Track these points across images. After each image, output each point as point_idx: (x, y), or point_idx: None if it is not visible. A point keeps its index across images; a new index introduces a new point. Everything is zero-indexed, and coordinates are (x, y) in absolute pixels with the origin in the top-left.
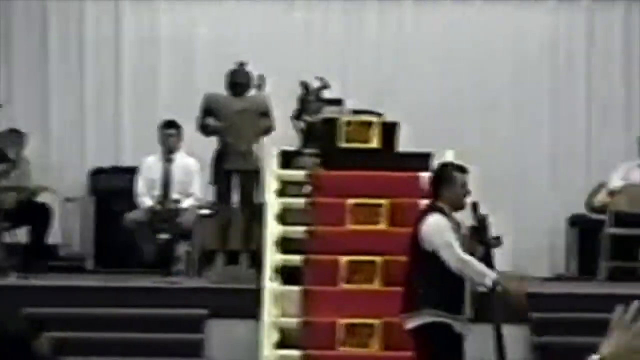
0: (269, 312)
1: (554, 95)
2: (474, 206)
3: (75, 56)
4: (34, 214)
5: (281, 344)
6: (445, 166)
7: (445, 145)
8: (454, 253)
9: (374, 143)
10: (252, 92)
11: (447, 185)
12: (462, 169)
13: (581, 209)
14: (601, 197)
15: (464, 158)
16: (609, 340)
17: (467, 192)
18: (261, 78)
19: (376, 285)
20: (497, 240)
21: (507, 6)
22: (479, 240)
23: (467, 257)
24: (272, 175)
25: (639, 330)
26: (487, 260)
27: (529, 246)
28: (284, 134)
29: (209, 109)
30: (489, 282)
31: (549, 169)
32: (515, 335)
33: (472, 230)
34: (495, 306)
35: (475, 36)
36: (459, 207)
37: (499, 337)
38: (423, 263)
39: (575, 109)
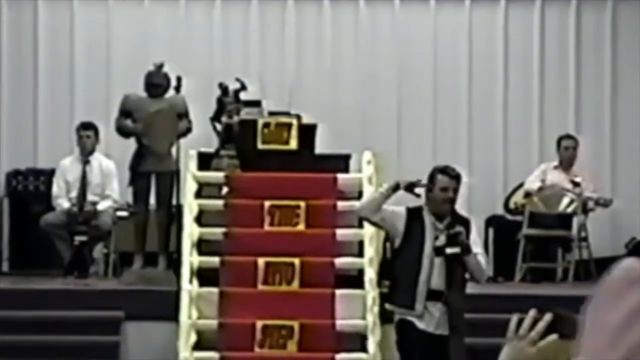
0: (186, 314)
1: (472, 95)
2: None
3: None
4: None
5: (199, 346)
6: (434, 169)
7: (363, 147)
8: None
9: (292, 145)
10: (170, 93)
11: (430, 188)
12: (446, 173)
13: (500, 210)
14: (518, 199)
15: (382, 159)
16: (505, 349)
17: (447, 197)
18: (179, 79)
19: (294, 287)
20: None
21: (425, 7)
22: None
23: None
24: (189, 176)
25: (534, 340)
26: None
27: None
28: (202, 136)
29: (127, 110)
30: (383, 189)
31: (468, 169)
32: None
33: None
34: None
35: (393, 38)
36: (438, 210)
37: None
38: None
39: (493, 110)
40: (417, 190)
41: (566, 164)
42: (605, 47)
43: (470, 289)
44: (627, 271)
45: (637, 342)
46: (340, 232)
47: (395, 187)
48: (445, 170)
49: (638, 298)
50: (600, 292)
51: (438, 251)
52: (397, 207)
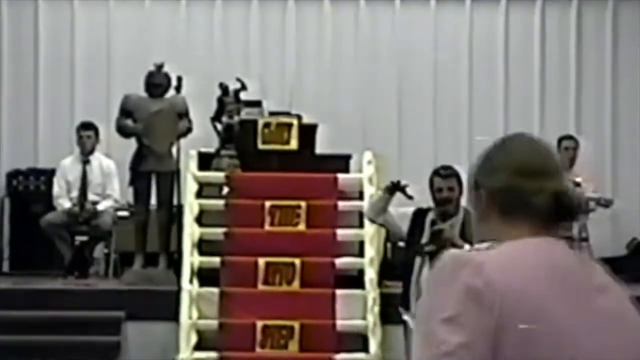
0: (187, 314)
1: (472, 95)
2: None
3: None
4: None
5: (199, 346)
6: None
7: (364, 147)
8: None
9: (293, 145)
10: (170, 93)
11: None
12: (437, 174)
13: None
14: None
15: (382, 159)
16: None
17: (441, 198)
18: (179, 79)
19: (294, 287)
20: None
21: (426, 7)
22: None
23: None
24: (190, 176)
25: None
26: None
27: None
28: (202, 136)
29: (127, 110)
30: (381, 192)
31: (467, 170)
32: None
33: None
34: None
35: (393, 38)
36: (438, 211)
37: None
38: None
39: (493, 110)
40: (409, 190)
41: (566, 165)
42: (606, 47)
43: None
44: (451, 260)
45: (473, 321)
46: (341, 232)
47: (389, 189)
48: (437, 171)
49: (463, 282)
50: (431, 281)
51: (420, 249)
52: (405, 208)
